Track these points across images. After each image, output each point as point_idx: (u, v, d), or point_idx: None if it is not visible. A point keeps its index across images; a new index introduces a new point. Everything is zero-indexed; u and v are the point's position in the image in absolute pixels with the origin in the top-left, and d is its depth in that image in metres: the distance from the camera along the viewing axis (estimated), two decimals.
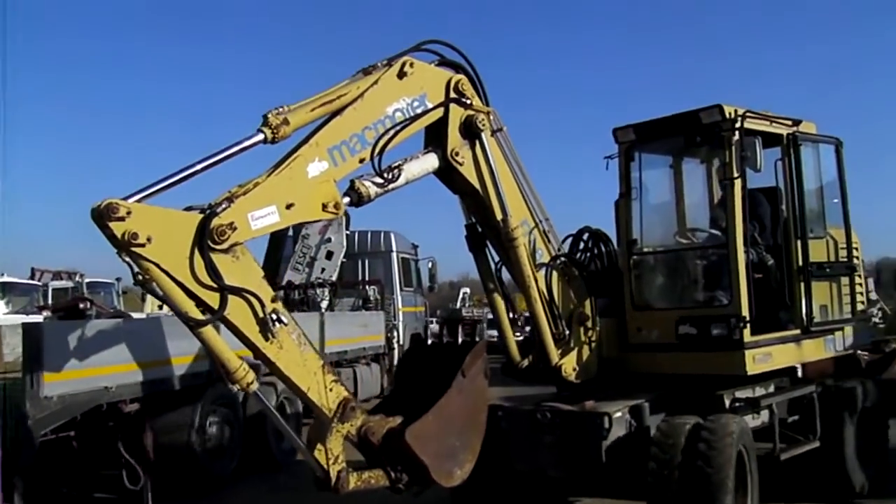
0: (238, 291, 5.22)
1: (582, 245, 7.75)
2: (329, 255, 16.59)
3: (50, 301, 19.20)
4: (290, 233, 17.06)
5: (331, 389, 5.58)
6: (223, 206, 5.20)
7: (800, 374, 7.91)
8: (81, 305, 13.27)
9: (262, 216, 5.38)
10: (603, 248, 7.77)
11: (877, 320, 22.92)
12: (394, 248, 20.33)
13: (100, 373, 7.83)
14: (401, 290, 20.18)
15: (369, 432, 5.66)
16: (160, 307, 12.77)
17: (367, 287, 18.07)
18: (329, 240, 16.62)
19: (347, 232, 17.36)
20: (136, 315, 14.47)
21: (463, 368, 6.04)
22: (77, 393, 7.61)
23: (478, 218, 7.07)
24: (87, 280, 21.80)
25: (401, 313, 19.73)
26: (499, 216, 6.71)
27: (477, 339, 7.33)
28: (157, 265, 4.95)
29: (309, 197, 5.59)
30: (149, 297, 18.70)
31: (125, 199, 4.93)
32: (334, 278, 16.63)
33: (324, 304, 15.73)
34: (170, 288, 5.01)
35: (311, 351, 5.53)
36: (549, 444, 6.79)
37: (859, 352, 10.68)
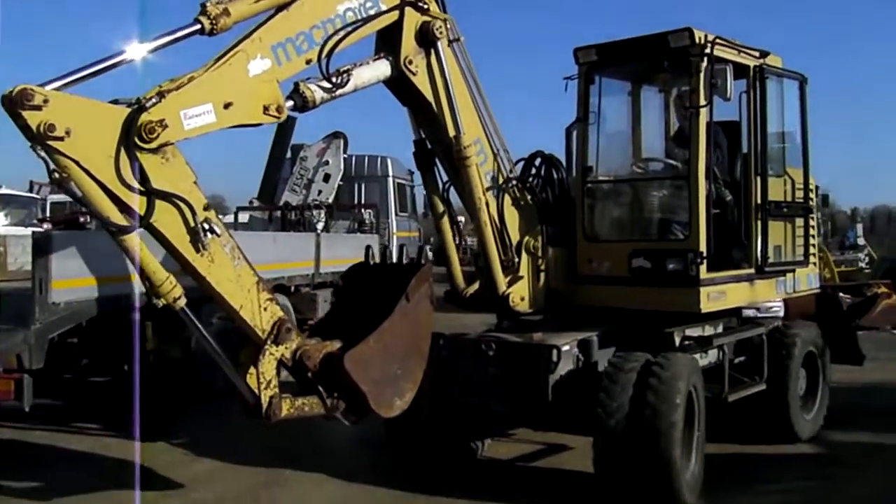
0: (167, 196, 4.75)
1: (534, 170, 7.37)
2: (326, 178, 16.93)
3: (48, 214, 19.35)
4: (289, 154, 18.01)
5: (265, 309, 5.18)
6: (153, 100, 4.68)
7: (780, 312, 7.83)
8: (81, 219, 12.95)
9: (196, 115, 4.87)
10: (555, 175, 7.42)
11: (863, 265, 23.53)
12: (390, 174, 20.39)
13: (104, 282, 7.97)
14: (396, 214, 20.31)
15: (305, 356, 5.29)
16: None
17: (362, 210, 18.06)
18: (327, 162, 16.94)
19: (345, 155, 17.59)
20: None
21: (407, 292, 5.67)
22: (83, 300, 7.84)
23: (428, 134, 6.63)
24: None
25: (395, 237, 19.80)
26: (451, 133, 6.28)
27: (423, 261, 7.06)
28: (77, 162, 4.43)
29: (249, 97, 5.08)
30: None
31: (42, 85, 4.37)
32: (330, 200, 16.90)
33: (319, 226, 15.85)
34: (90, 189, 4.51)
35: (245, 266, 5.09)
36: (494, 376, 6.51)
37: (842, 294, 10.77)
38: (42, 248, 7.49)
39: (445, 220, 6.88)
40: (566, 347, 6.31)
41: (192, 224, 4.81)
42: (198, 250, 4.87)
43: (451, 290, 7.01)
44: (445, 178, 6.80)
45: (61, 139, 4.33)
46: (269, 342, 5.15)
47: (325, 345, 5.45)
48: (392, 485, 6.99)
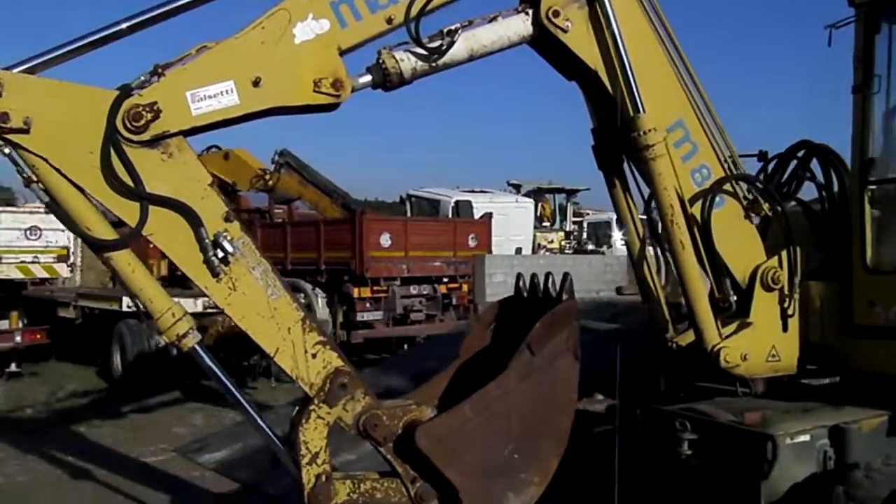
0: (165, 203, 3.61)
1: (791, 168, 5.02)
2: None
3: None
4: None
5: (313, 355, 3.80)
6: (143, 79, 3.59)
7: None
8: None
9: (209, 96, 3.69)
10: (831, 175, 4.97)
11: None
12: None
13: None
14: None
15: (370, 424, 3.81)
16: None
17: None
18: None
19: None
20: None
21: (528, 342, 3.92)
22: None
23: (604, 117, 4.74)
24: None
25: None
26: (631, 112, 4.37)
27: (565, 296, 5.25)
28: (46, 160, 3.49)
29: (291, 69, 3.78)
30: None
31: (9, 68, 3.51)
32: None
33: None
34: (64, 193, 3.55)
35: (284, 297, 3.78)
36: (693, 469, 4.39)
37: None
38: None
39: (637, 238, 4.91)
40: (802, 437, 4.00)
41: (202, 239, 3.63)
42: (214, 274, 3.67)
43: (652, 339, 4.98)
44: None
45: (21, 131, 3.43)
46: (317, 401, 3.77)
47: (409, 409, 3.93)
48: None
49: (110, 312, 12.91)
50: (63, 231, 12.98)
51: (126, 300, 12.63)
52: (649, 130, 4.30)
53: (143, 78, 3.60)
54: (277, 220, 16.42)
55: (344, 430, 3.87)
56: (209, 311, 12.13)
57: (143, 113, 3.53)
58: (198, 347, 3.77)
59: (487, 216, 15.07)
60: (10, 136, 3.44)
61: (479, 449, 3.86)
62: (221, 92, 3.70)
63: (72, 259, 13.91)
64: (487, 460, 3.88)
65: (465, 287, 13.82)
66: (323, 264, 13.50)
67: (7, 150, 3.52)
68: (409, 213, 18.04)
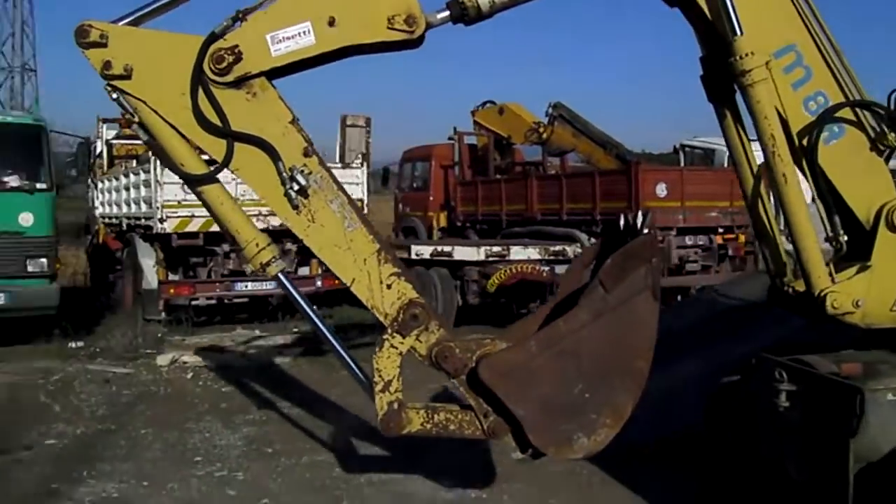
0: (248, 139, 3.88)
1: None
2: None
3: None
4: None
5: (388, 286, 3.94)
6: (227, 25, 3.85)
7: None
8: None
9: (287, 37, 3.89)
10: None
11: None
12: None
13: None
14: None
15: (441, 356, 3.89)
16: None
17: None
18: None
19: None
20: None
21: (601, 278, 3.82)
22: None
23: (709, 44, 4.42)
24: None
25: None
26: (729, 35, 4.06)
27: (646, 230, 4.76)
28: (145, 102, 3.87)
29: (364, 6, 3.88)
30: None
31: (118, 21, 3.91)
32: None
33: None
34: (161, 131, 3.92)
35: (360, 229, 3.94)
36: (794, 424, 4.08)
37: None
38: None
39: (748, 173, 4.56)
40: (890, 396, 3.59)
41: (281, 173, 3.86)
42: (294, 206, 3.90)
43: (771, 284, 4.63)
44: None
45: (124, 77, 3.83)
46: (390, 331, 3.91)
47: (484, 343, 3.98)
48: None
49: None
50: (358, 184, 13.75)
51: (414, 248, 13.63)
52: (747, 54, 3.97)
53: (225, 23, 3.85)
54: (551, 172, 16.74)
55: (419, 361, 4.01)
56: (491, 259, 12.83)
57: (226, 56, 3.79)
58: (281, 276, 4.03)
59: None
60: (114, 83, 3.86)
61: (545, 385, 3.82)
62: (299, 33, 3.87)
63: (365, 211, 14.41)
64: (554, 397, 3.84)
65: (741, 238, 13.53)
66: (598, 215, 13.53)
67: (115, 95, 3.94)
68: (682, 164, 17.70)
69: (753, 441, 4.38)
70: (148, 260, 13.28)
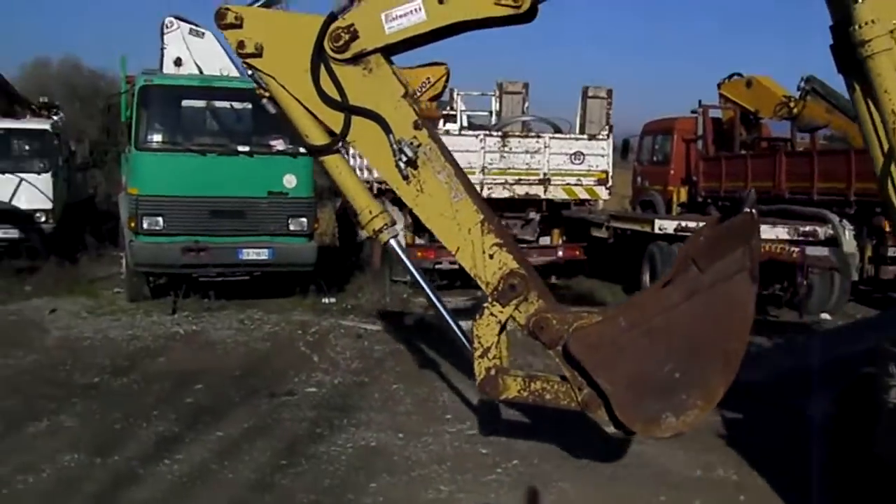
0: (363, 112, 4.15)
1: None
2: None
3: None
4: None
5: (490, 256, 4.08)
6: (346, 5, 4.11)
7: None
8: None
9: (399, 15, 4.09)
10: None
11: None
12: None
13: None
14: None
15: (538, 327, 3.98)
16: None
17: None
18: None
19: None
20: None
21: (694, 257, 3.73)
22: None
23: (837, 11, 4.07)
24: None
25: None
26: (851, 1, 3.75)
27: (746, 208, 4.01)
28: (274, 78, 4.24)
29: None
30: None
31: (248, 5, 4.31)
32: None
33: None
34: (289, 105, 4.30)
35: (466, 200, 4.11)
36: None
37: None
38: None
39: (878, 149, 4.20)
40: None
41: (391, 145, 4.09)
42: (404, 177, 4.12)
43: None
44: None
45: (255, 55, 4.21)
46: (491, 299, 4.06)
47: (581, 316, 4.02)
48: None
49: (642, 234, 13.75)
50: (604, 156, 13.91)
51: (658, 222, 13.46)
52: (868, 23, 3.66)
53: (343, 3, 4.10)
54: (799, 148, 15.99)
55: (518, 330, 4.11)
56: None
57: (342, 34, 4.05)
58: (392, 242, 4.30)
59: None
60: (248, 60, 4.24)
61: (633, 361, 3.80)
62: (411, 10, 4.05)
63: (610, 183, 14.36)
64: (643, 375, 3.81)
65: None
66: (853, 195, 12.77)
67: (250, 72, 4.35)
68: None
69: (870, 439, 4.12)
70: (397, 224, 13.72)
